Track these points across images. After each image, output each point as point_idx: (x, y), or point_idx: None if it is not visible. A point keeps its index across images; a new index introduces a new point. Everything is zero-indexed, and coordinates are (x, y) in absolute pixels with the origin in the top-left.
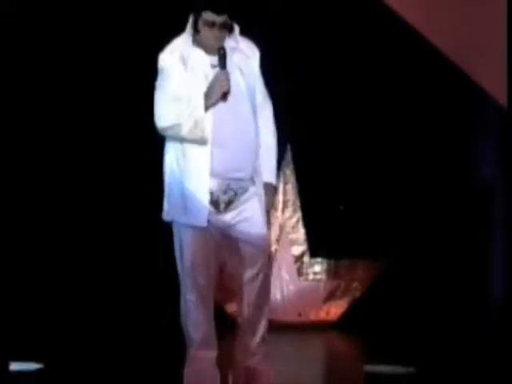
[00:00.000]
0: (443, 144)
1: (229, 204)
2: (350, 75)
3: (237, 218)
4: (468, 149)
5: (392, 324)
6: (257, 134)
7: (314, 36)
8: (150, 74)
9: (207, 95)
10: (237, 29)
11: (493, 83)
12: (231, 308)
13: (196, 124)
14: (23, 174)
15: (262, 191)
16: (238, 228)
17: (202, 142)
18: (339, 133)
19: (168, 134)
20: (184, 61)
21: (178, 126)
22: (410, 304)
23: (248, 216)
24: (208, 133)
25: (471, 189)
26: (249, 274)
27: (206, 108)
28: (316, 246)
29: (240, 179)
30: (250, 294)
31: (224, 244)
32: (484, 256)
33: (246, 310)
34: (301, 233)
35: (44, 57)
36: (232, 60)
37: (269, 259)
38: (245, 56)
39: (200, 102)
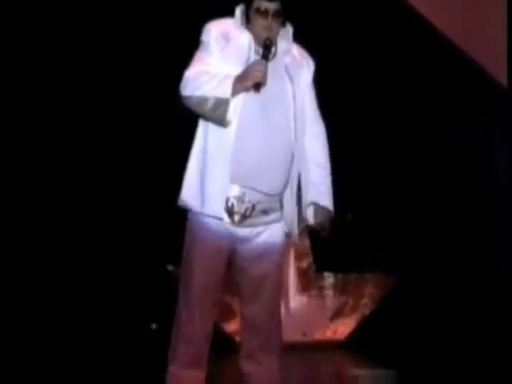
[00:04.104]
0: (456, 156)
1: (245, 218)
2: (350, 72)
3: (253, 242)
4: (480, 156)
5: (404, 343)
6: (295, 149)
7: (314, 27)
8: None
9: (238, 79)
10: (290, 29)
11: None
12: (229, 327)
13: (219, 103)
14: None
15: (291, 215)
16: (251, 253)
17: (222, 124)
18: (346, 140)
19: (191, 104)
20: (227, 38)
21: (201, 98)
22: (424, 321)
23: (267, 245)
24: (230, 117)
25: (486, 202)
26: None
27: (234, 92)
28: (322, 258)
29: (259, 191)
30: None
31: (234, 259)
32: (498, 272)
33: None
34: (306, 244)
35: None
36: (282, 62)
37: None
38: (297, 64)
39: (229, 82)
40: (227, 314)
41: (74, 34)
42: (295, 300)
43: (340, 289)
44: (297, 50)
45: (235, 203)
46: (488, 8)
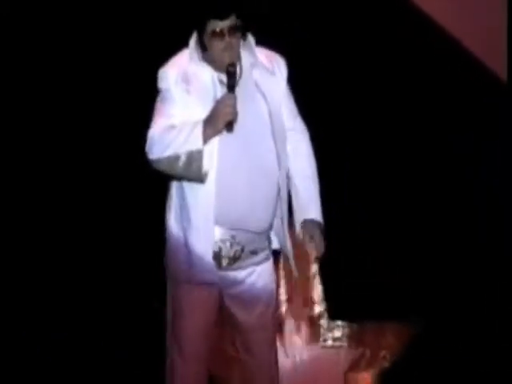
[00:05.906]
0: (456, 156)
1: (234, 260)
2: (348, 71)
3: (242, 286)
4: (480, 156)
5: None
6: (280, 173)
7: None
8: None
9: (207, 123)
10: (252, 40)
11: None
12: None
13: (191, 159)
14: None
15: (281, 231)
16: (241, 297)
17: (199, 180)
18: (342, 143)
19: (161, 167)
20: (187, 80)
21: (172, 158)
22: (450, 376)
23: (257, 287)
24: (206, 170)
25: (486, 202)
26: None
27: (206, 139)
28: (336, 305)
29: (248, 231)
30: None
31: (224, 304)
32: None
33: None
34: (317, 290)
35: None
36: (250, 78)
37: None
38: (267, 72)
39: (198, 131)
40: (218, 364)
41: (74, 35)
42: (305, 352)
43: (356, 339)
44: (263, 55)
45: (223, 247)
46: (488, 3)
